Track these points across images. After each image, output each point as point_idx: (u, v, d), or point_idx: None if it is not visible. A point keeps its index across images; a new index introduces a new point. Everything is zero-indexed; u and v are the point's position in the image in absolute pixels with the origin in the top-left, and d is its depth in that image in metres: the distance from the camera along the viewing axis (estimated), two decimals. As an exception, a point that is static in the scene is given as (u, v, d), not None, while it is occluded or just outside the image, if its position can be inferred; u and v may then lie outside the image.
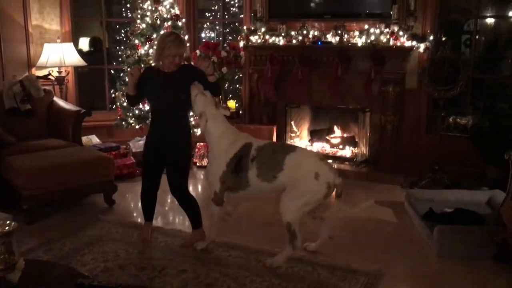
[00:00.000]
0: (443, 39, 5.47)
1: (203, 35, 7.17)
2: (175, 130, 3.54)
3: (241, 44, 5.98)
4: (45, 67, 5.91)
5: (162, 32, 5.71)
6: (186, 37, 5.94)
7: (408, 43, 5.11)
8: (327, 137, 6.16)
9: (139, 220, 4.31)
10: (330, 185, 3.23)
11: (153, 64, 3.73)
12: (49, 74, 5.95)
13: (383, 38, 5.19)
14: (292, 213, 3.23)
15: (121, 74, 5.95)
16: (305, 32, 5.58)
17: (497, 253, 3.48)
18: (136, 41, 5.73)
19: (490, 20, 5.72)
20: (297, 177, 3.23)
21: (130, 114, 5.77)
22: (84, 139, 5.76)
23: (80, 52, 6.46)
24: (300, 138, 6.28)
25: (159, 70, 3.53)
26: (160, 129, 3.56)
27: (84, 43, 7.28)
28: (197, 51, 6.09)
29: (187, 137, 3.59)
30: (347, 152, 5.93)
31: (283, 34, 5.71)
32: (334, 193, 3.32)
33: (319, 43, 5.53)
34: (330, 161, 5.80)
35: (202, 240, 3.64)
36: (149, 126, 3.75)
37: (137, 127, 5.85)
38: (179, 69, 3.50)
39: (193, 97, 3.46)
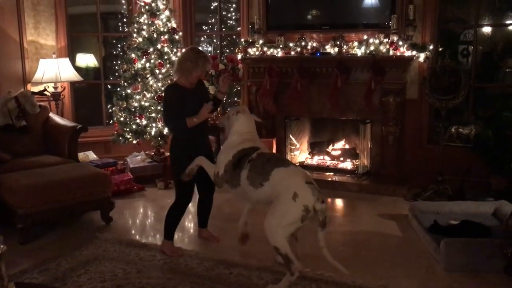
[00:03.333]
0: (440, 49, 5.42)
1: (200, 48, 7.11)
2: (206, 136, 3.90)
3: (239, 56, 5.93)
4: (40, 82, 5.84)
5: (159, 46, 5.68)
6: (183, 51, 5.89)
7: (408, 53, 5.06)
8: (327, 149, 6.08)
9: (137, 237, 4.21)
10: (309, 209, 3.03)
11: (174, 80, 3.86)
12: (45, 89, 5.87)
13: (382, 48, 5.14)
14: (274, 236, 3.09)
15: (118, 89, 5.88)
16: (303, 43, 5.54)
17: (506, 266, 3.38)
18: (133, 55, 5.68)
19: (487, 30, 5.67)
20: (278, 192, 3.12)
21: (127, 129, 5.70)
22: (81, 155, 5.68)
23: (77, 69, 6.39)
24: (300, 150, 6.20)
25: (183, 88, 3.66)
26: (197, 139, 3.75)
27: (81, 59, 7.22)
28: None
29: None
30: (348, 164, 5.85)
31: (281, 46, 5.66)
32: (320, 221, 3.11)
33: (318, 54, 5.48)
34: (331, 175, 5.75)
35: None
36: (177, 139, 3.76)
37: (134, 142, 5.77)
38: (198, 84, 3.76)
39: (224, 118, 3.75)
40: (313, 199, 3.04)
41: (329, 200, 5.17)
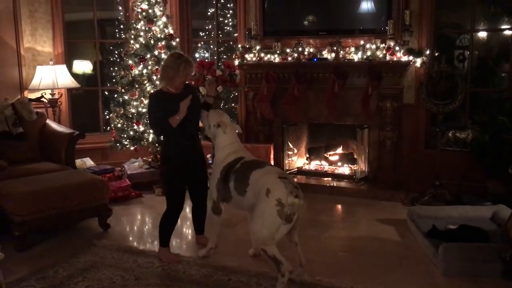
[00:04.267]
0: (436, 54, 5.45)
1: (197, 54, 7.13)
2: (199, 143, 3.87)
3: (236, 62, 5.94)
4: (37, 89, 5.83)
5: (156, 52, 5.68)
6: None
7: (404, 58, 5.08)
8: (325, 155, 6.08)
9: (135, 244, 4.20)
10: (282, 203, 3.00)
11: (159, 88, 3.88)
12: (42, 96, 5.87)
13: (379, 54, 5.16)
14: (259, 238, 3.09)
15: (115, 95, 5.87)
16: (300, 49, 5.55)
17: (505, 270, 3.38)
18: (130, 62, 5.68)
19: (482, 35, 5.70)
20: (257, 194, 3.15)
21: (125, 136, 5.69)
22: (78, 161, 5.67)
23: (74, 75, 6.39)
24: (298, 156, 6.20)
25: (170, 94, 3.65)
26: (189, 146, 3.74)
27: (78, 65, 7.22)
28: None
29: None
30: (346, 169, 5.85)
31: (278, 52, 5.68)
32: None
33: (315, 59, 5.50)
34: (329, 180, 5.74)
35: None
36: (168, 146, 3.77)
37: (131, 148, 5.77)
38: (185, 89, 3.71)
39: (204, 113, 3.71)
40: (286, 192, 3.02)
41: (327, 205, 5.18)
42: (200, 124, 3.82)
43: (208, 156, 5.74)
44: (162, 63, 3.82)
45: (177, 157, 3.69)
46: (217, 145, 3.67)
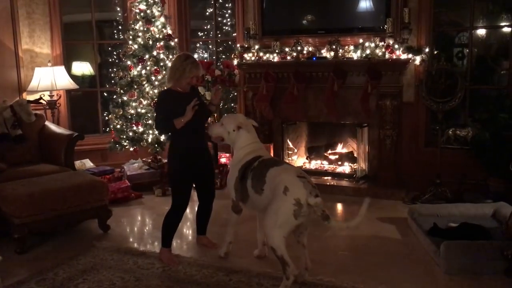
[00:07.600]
0: (435, 52, 5.44)
1: (196, 55, 7.11)
2: (206, 143, 3.89)
3: (235, 62, 5.93)
4: (36, 91, 5.81)
5: (155, 52, 5.67)
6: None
7: (403, 56, 5.06)
8: (325, 154, 6.07)
9: (135, 245, 4.18)
10: (301, 203, 2.97)
11: (166, 87, 3.89)
12: (41, 98, 5.85)
13: (378, 52, 5.14)
14: (271, 236, 3.06)
15: (114, 96, 5.86)
16: (299, 48, 5.54)
17: (507, 268, 3.37)
18: (129, 62, 5.67)
19: (481, 32, 5.68)
20: (273, 191, 3.11)
21: (124, 137, 5.68)
22: (77, 163, 5.66)
23: (73, 77, 6.37)
24: (298, 155, 6.19)
25: (178, 92, 3.68)
26: (196, 146, 3.75)
27: (77, 67, 7.20)
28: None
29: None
30: (346, 168, 5.83)
31: (277, 51, 5.66)
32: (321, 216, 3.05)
33: (314, 58, 5.48)
34: (329, 179, 5.73)
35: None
36: (175, 145, 3.75)
37: (131, 149, 5.75)
38: (192, 90, 3.76)
39: (216, 125, 3.70)
40: (305, 193, 2.99)
41: (328, 204, 5.14)
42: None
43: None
44: (170, 63, 3.83)
45: (182, 156, 3.68)
46: (237, 146, 3.60)
